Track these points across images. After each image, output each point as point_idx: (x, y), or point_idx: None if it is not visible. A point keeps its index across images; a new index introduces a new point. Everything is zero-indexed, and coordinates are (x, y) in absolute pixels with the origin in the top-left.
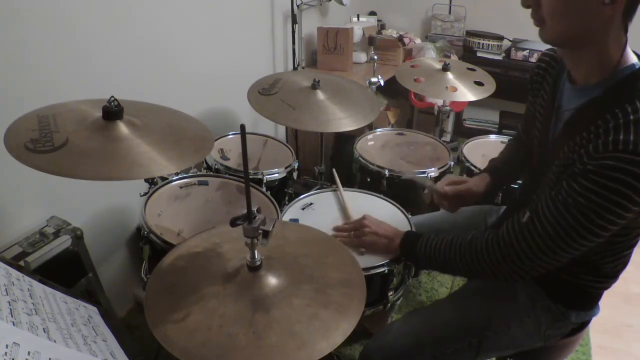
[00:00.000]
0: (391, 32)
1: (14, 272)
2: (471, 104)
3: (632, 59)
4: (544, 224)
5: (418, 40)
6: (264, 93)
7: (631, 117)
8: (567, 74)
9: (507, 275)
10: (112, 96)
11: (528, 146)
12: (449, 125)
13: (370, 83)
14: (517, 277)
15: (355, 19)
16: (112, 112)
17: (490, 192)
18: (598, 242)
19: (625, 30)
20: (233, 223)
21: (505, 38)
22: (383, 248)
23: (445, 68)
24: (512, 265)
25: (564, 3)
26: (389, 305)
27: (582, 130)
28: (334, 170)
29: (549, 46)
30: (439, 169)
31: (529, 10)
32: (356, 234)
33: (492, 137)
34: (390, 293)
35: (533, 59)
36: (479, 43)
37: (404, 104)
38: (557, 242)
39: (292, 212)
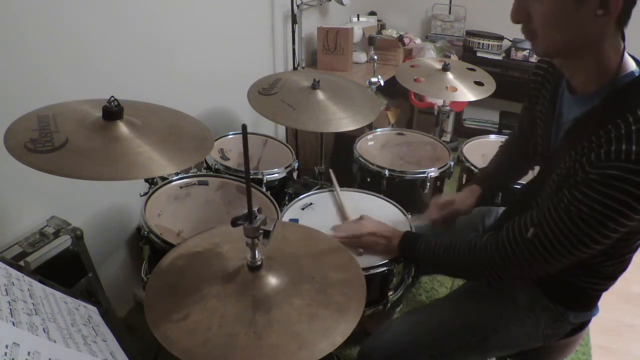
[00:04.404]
0: (391, 32)
1: (14, 272)
2: (471, 104)
3: (631, 65)
4: (546, 232)
5: (418, 40)
6: (264, 93)
7: (633, 127)
8: (566, 81)
9: (506, 279)
10: (112, 96)
11: (526, 150)
12: (449, 125)
13: (370, 83)
14: (515, 280)
15: (355, 19)
16: (112, 112)
17: (484, 199)
18: (600, 249)
19: (622, 37)
20: (234, 223)
21: (505, 38)
22: (381, 248)
23: (445, 68)
24: (512, 271)
25: (556, 16)
26: (389, 305)
27: (584, 140)
28: (330, 170)
29: None
30: (439, 169)
31: None
32: (355, 234)
33: (492, 137)
34: (390, 293)
35: (533, 59)
36: (479, 43)
37: (404, 104)
38: (558, 250)
39: (292, 212)
